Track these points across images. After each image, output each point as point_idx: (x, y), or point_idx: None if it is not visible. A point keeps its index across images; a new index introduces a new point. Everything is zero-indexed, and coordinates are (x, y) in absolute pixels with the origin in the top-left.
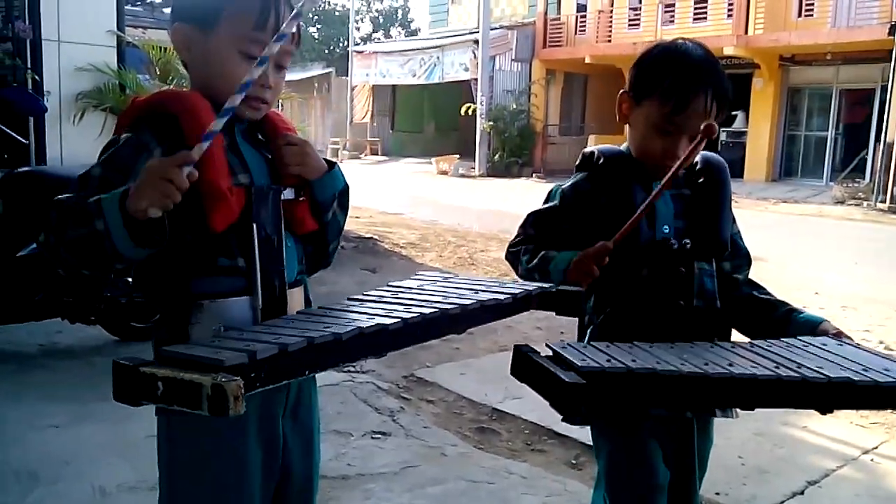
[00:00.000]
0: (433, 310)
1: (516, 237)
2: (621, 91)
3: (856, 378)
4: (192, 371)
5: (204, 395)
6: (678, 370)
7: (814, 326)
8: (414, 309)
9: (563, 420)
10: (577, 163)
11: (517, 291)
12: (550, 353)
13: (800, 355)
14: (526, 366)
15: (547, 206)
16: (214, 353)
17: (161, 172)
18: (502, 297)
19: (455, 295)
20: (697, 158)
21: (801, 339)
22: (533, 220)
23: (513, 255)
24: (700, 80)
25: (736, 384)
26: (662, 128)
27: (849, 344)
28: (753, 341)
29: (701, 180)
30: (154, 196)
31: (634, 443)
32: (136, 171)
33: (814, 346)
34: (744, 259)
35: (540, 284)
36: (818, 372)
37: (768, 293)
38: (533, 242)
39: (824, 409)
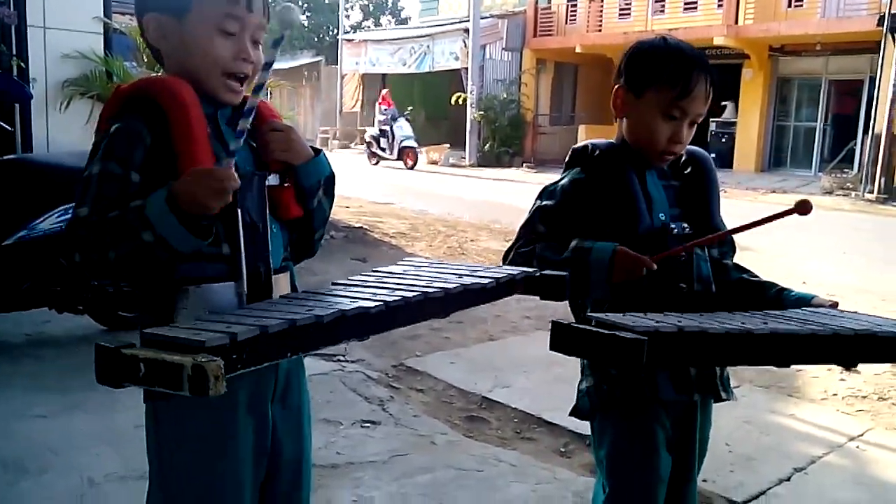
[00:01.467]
0: (416, 293)
1: (520, 239)
2: (616, 87)
3: (877, 331)
4: (173, 352)
5: (185, 376)
6: (724, 329)
7: (807, 302)
8: (397, 293)
9: (570, 414)
10: (567, 159)
11: (501, 276)
12: (588, 324)
13: (818, 318)
14: (571, 336)
15: (550, 202)
16: (195, 335)
17: (210, 186)
18: (486, 281)
19: (439, 279)
20: (683, 152)
21: (807, 309)
22: (540, 217)
23: (524, 256)
24: (700, 66)
25: (777, 340)
26: (669, 113)
27: (848, 311)
28: (767, 311)
29: (688, 171)
30: (209, 206)
31: (640, 433)
32: (134, 161)
33: (821, 313)
34: (729, 245)
35: (524, 269)
36: (843, 327)
37: (756, 276)
38: (544, 240)
39: (849, 363)
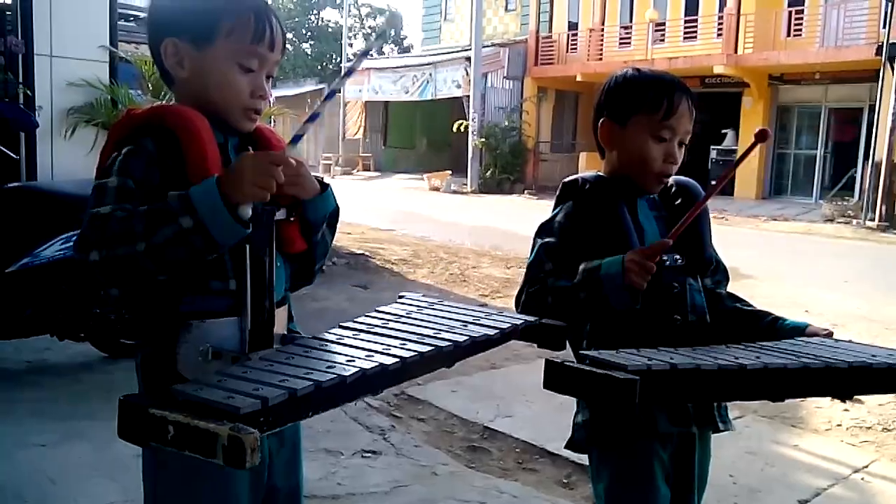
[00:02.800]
0: (430, 348)
1: (529, 280)
2: (601, 122)
3: (871, 362)
4: (205, 417)
5: (219, 445)
6: (716, 365)
7: (801, 331)
8: (410, 345)
9: (566, 447)
10: (557, 193)
11: (505, 326)
12: (582, 362)
13: (812, 349)
14: (564, 375)
15: (552, 239)
16: (227, 399)
17: (260, 168)
18: (492, 332)
19: (446, 329)
20: (670, 182)
21: (801, 340)
22: (546, 254)
23: (536, 295)
24: (679, 86)
25: (770, 375)
26: (658, 134)
27: (843, 340)
28: (761, 343)
29: (678, 202)
30: (253, 191)
31: (638, 468)
32: (149, 182)
33: (814, 343)
34: (722, 274)
35: (526, 318)
36: (836, 360)
37: (750, 305)
38: (554, 275)
39: (845, 396)
